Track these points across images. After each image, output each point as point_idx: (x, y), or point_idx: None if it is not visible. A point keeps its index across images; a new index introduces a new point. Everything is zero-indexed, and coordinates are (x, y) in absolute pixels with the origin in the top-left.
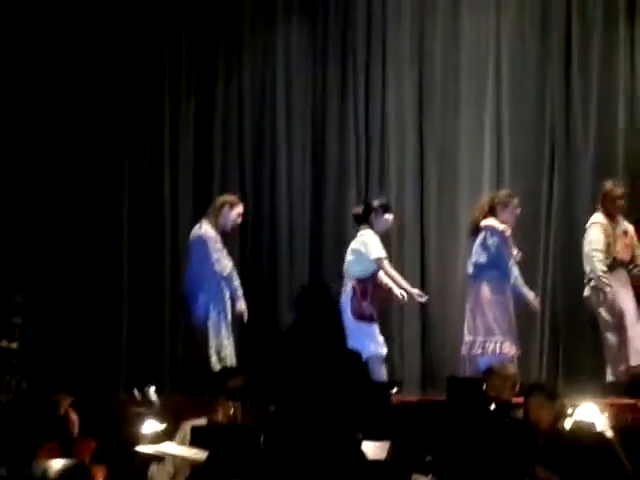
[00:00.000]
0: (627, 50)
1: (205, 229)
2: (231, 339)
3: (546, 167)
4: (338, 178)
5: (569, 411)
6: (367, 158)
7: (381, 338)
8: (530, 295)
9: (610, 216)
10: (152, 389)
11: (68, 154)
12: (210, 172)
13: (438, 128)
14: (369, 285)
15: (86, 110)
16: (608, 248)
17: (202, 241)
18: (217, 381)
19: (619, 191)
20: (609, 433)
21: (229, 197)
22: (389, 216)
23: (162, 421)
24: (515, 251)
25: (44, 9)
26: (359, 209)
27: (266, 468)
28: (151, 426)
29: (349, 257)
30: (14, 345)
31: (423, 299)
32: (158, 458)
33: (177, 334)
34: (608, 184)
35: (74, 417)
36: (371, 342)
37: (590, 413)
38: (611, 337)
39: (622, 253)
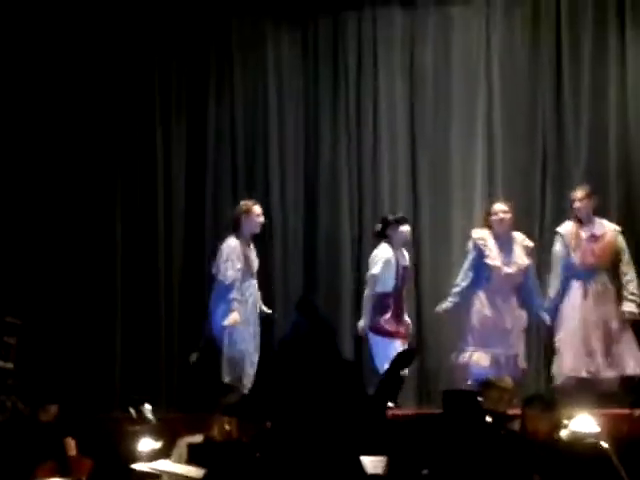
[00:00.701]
0: (618, 59)
1: (225, 242)
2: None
3: (538, 177)
4: (331, 191)
5: (565, 422)
6: (359, 170)
7: None
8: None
9: (577, 221)
10: (147, 407)
11: (60, 175)
12: (202, 189)
13: (430, 140)
14: (389, 300)
15: (78, 129)
16: (568, 256)
17: (219, 253)
18: (212, 398)
19: (578, 194)
20: (605, 444)
21: (241, 206)
22: (404, 228)
23: (158, 439)
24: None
25: (37, 29)
26: (378, 225)
27: None
28: (147, 444)
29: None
30: (9, 365)
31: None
32: (155, 476)
33: (172, 350)
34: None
35: (71, 440)
36: (385, 358)
37: (585, 424)
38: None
39: (585, 259)
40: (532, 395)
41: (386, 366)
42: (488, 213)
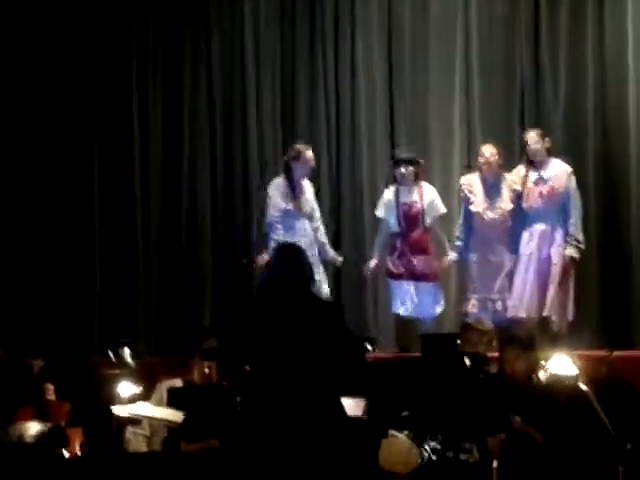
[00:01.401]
0: (595, 5)
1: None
2: None
3: (516, 123)
4: (309, 140)
5: (543, 363)
6: (337, 122)
7: (403, 296)
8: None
9: (530, 163)
10: (127, 350)
11: (38, 140)
12: (180, 143)
13: (408, 94)
14: (397, 241)
15: (54, 94)
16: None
17: None
18: (192, 342)
19: (531, 135)
20: (583, 386)
21: (291, 150)
22: (400, 170)
23: (137, 382)
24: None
25: None
26: None
27: (244, 427)
28: (126, 388)
29: None
30: None
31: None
32: (134, 420)
33: (151, 294)
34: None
35: (49, 385)
36: (393, 299)
37: (564, 366)
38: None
39: (532, 202)
40: (509, 337)
41: (395, 309)
42: (478, 156)
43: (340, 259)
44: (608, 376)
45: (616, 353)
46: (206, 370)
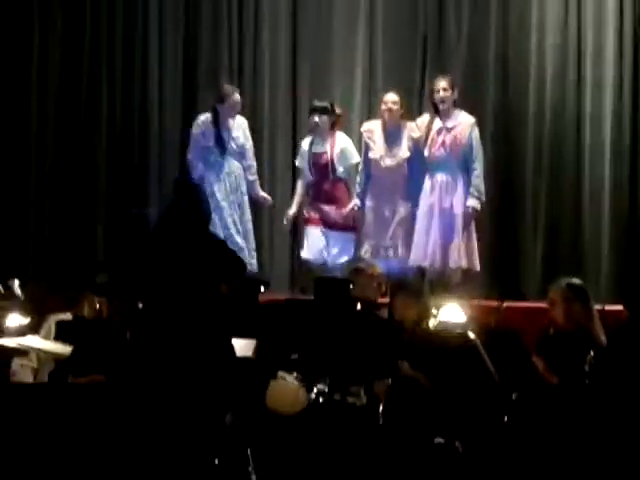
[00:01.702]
0: None
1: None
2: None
3: (418, 66)
4: (210, 79)
5: (434, 311)
6: (240, 58)
7: (313, 242)
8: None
9: (435, 111)
10: (16, 282)
11: None
12: (79, 76)
13: (311, 33)
14: (310, 190)
15: None
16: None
17: None
18: (83, 276)
19: (442, 84)
20: (472, 334)
21: (220, 91)
22: (313, 119)
23: (26, 315)
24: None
25: None
26: None
27: (132, 363)
28: (15, 319)
29: None
30: None
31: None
32: (21, 352)
33: (44, 224)
34: (435, 79)
35: None
36: (305, 246)
37: (454, 313)
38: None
39: (434, 151)
40: (399, 283)
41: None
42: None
43: (270, 199)
44: (497, 325)
45: (506, 304)
46: (97, 305)
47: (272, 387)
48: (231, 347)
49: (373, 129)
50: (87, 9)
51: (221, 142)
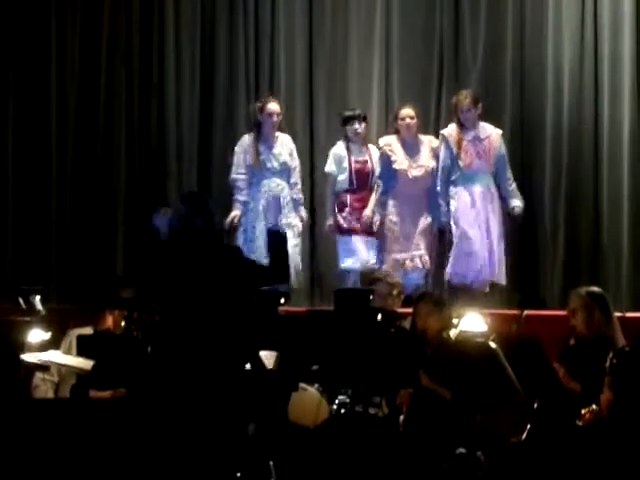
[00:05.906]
0: None
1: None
2: None
3: (435, 79)
4: (228, 89)
5: (455, 321)
6: (256, 73)
7: (359, 251)
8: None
9: (460, 125)
10: (37, 297)
11: None
12: (97, 91)
13: (327, 47)
14: (347, 197)
15: None
16: (453, 160)
17: None
18: (104, 290)
19: (465, 101)
20: (493, 344)
21: (255, 103)
22: (353, 126)
23: (47, 330)
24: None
25: None
26: None
27: (153, 376)
28: (36, 335)
29: None
30: None
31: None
32: (43, 367)
33: (65, 240)
34: (458, 95)
35: None
36: (343, 255)
37: (474, 323)
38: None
39: (470, 160)
40: (422, 293)
41: (342, 262)
42: (395, 118)
43: (305, 217)
44: (518, 334)
45: (527, 312)
46: (118, 319)
47: (294, 399)
48: (258, 359)
49: (391, 142)
50: (104, 25)
51: (259, 160)
